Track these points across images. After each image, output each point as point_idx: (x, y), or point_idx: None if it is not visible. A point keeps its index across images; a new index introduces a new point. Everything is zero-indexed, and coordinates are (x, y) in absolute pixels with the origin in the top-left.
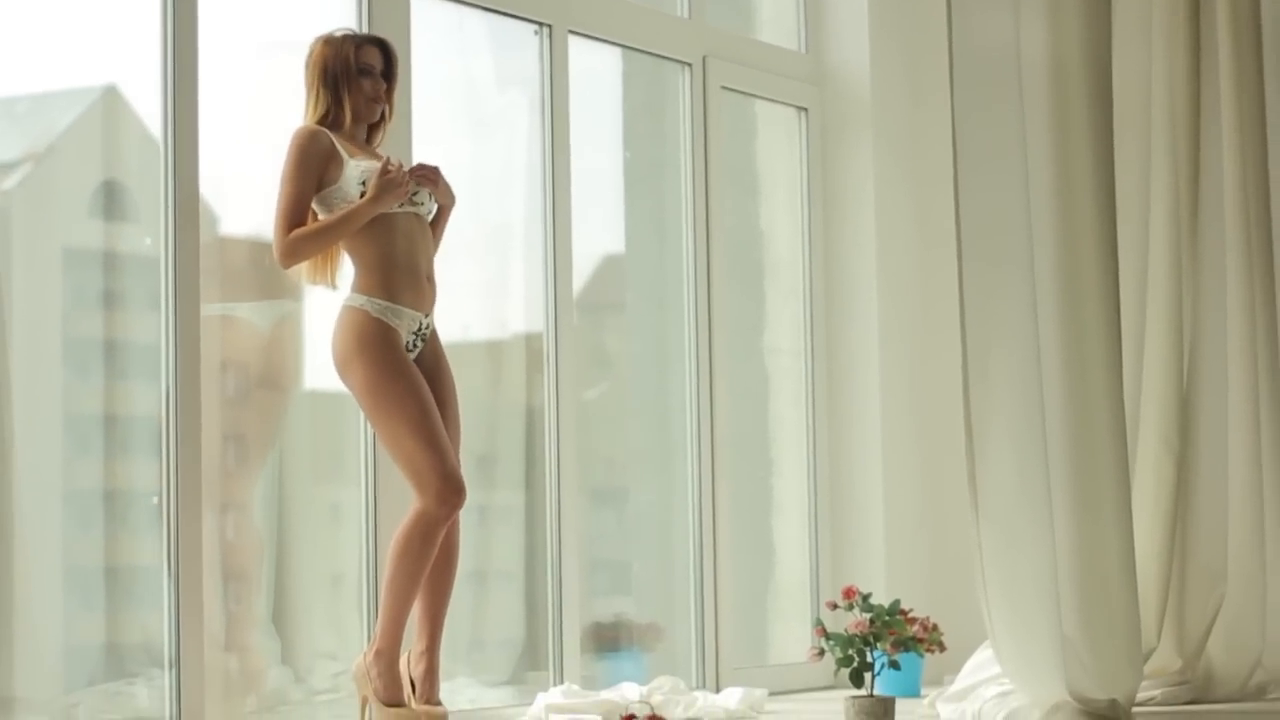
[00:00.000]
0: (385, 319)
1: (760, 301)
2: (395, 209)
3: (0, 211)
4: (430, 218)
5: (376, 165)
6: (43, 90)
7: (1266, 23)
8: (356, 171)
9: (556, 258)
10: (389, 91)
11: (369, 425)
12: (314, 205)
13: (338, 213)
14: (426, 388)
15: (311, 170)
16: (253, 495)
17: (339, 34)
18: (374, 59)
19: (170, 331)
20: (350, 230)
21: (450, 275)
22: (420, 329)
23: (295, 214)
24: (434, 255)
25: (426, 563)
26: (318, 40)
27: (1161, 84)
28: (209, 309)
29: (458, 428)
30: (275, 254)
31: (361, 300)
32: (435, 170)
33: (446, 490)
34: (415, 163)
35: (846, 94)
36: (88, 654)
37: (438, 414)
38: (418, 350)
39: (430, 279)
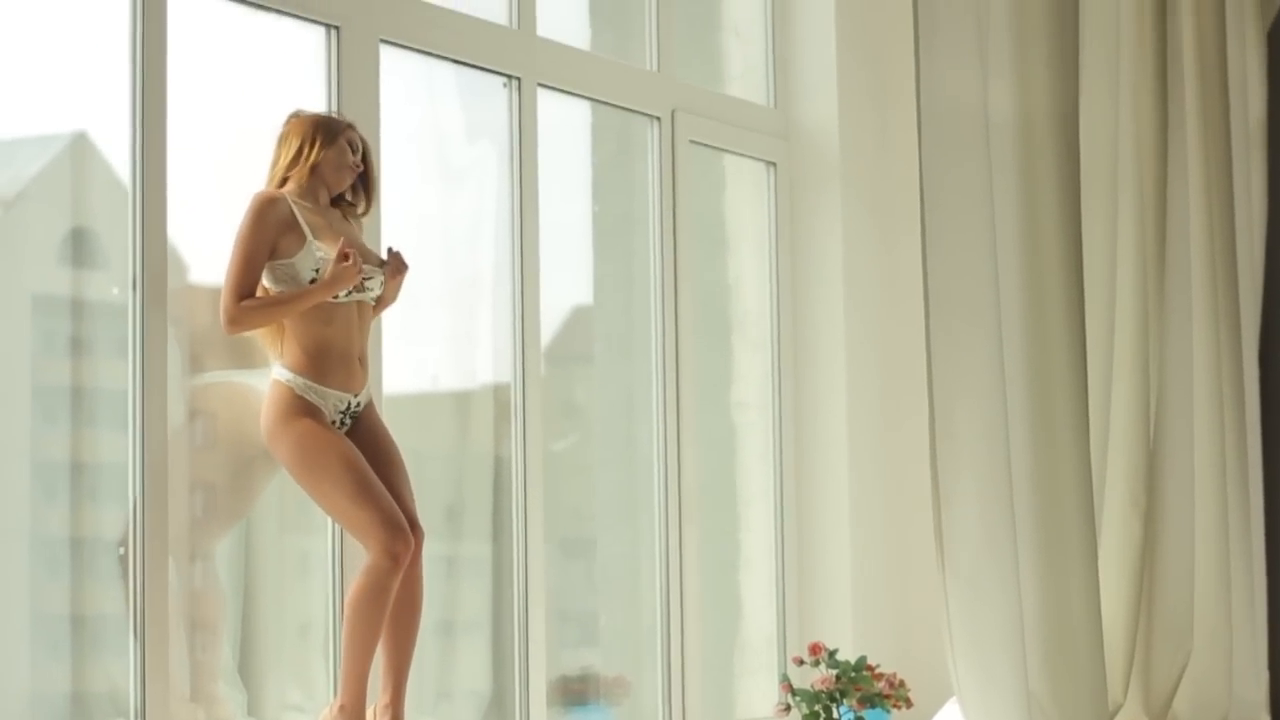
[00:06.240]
0: (308, 397)
1: (728, 355)
2: (343, 295)
3: None
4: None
5: (333, 252)
6: (11, 136)
7: (1233, 80)
8: (312, 259)
9: (525, 309)
10: (365, 181)
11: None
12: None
13: (289, 293)
14: (351, 446)
15: (266, 236)
16: (220, 545)
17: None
18: (357, 141)
19: (137, 380)
20: (299, 310)
21: (418, 326)
22: (349, 408)
23: (246, 280)
24: (367, 336)
25: (383, 614)
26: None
27: (1128, 141)
28: (212, 377)
29: (408, 486)
30: (221, 318)
31: (288, 376)
32: (405, 267)
33: (390, 540)
34: (394, 250)
35: (815, 149)
36: (53, 703)
37: (367, 467)
38: (347, 427)
39: (362, 360)
